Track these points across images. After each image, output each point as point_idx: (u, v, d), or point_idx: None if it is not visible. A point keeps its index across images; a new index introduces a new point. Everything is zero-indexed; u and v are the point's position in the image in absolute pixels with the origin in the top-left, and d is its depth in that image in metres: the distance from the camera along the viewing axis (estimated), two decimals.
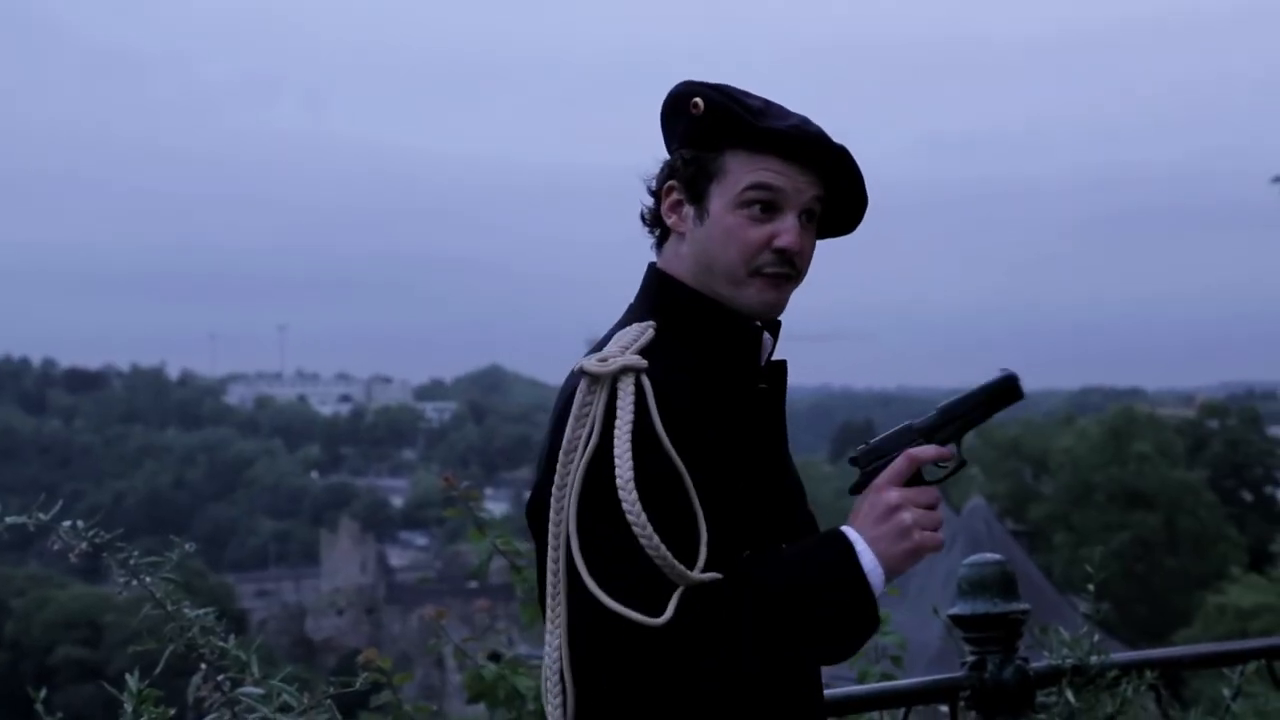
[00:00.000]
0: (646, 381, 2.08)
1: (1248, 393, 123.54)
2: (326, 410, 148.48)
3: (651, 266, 2.32)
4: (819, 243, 2.31)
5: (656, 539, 2.00)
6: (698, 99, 2.24)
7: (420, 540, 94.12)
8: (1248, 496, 59.92)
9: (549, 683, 2.09)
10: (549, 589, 2.08)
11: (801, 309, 2.33)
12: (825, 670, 2.35)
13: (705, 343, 2.23)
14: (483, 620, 3.83)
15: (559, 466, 2.07)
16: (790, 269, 2.22)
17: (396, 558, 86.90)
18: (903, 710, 3.27)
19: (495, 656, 3.62)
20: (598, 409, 2.07)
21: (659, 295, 2.28)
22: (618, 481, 2.02)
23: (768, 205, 2.21)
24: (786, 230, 2.20)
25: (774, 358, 2.33)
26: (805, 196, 2.22)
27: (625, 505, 2.01)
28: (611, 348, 2.14)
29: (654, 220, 2.32)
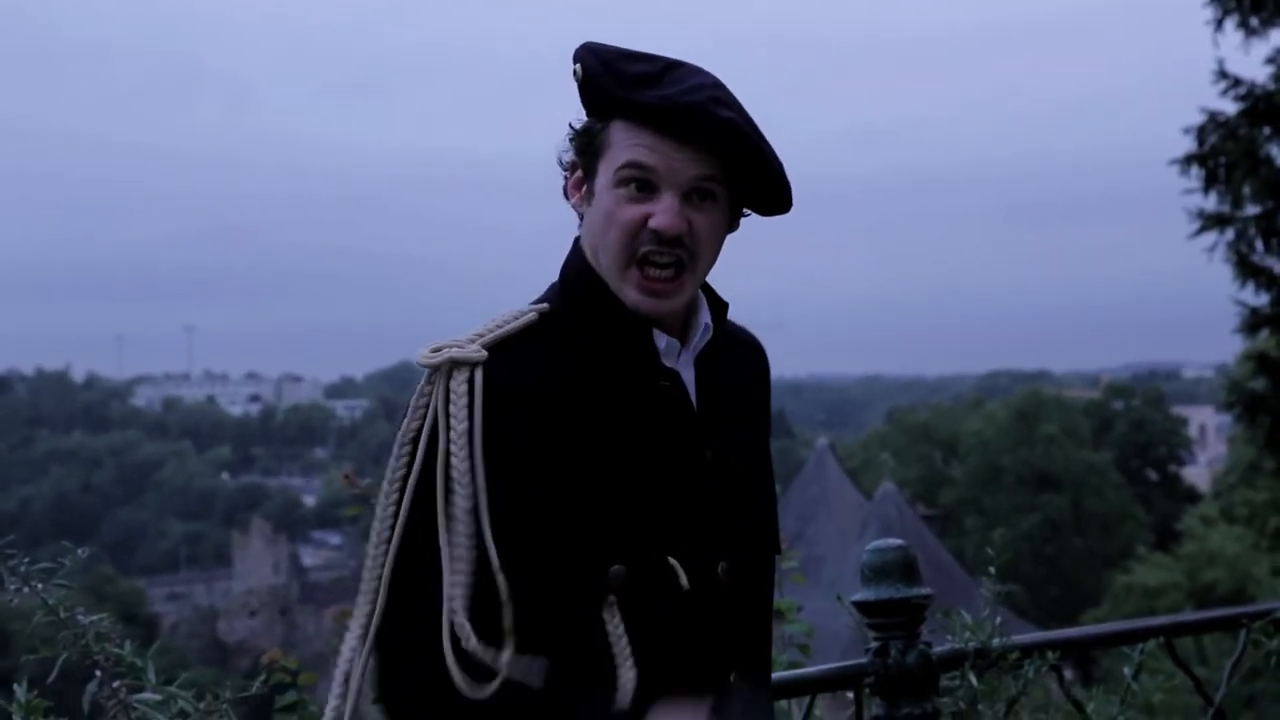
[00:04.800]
0: (479, 379, 1.93)
1: (1150, 373, 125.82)
2: (236, 410, 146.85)
3: (576, 240, 2.12)
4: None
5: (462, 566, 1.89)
6: (578, 65, 2.02)
7: (333, 539, 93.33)
8: (1153, 476, 60.87)
9: (335, 682, 1.95)
10: (363, 582, 1.94)
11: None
12: None
13: (592, 332, 2.04)
14: None
15: (391, 459, 1.97)
16: (681, 252, 1.99)
17: (310, 557, 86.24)
18: (807, 698, 3.27)
19: None
20: (435, 403, 1.94)
21: (564, 272, 2.10)
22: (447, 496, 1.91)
23: (643, 184, 1.98)
24: (662, 210, 1.97)
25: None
26: (685, 175, 1.98)
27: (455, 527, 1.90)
28: (463, 336, 1.99)
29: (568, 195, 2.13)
